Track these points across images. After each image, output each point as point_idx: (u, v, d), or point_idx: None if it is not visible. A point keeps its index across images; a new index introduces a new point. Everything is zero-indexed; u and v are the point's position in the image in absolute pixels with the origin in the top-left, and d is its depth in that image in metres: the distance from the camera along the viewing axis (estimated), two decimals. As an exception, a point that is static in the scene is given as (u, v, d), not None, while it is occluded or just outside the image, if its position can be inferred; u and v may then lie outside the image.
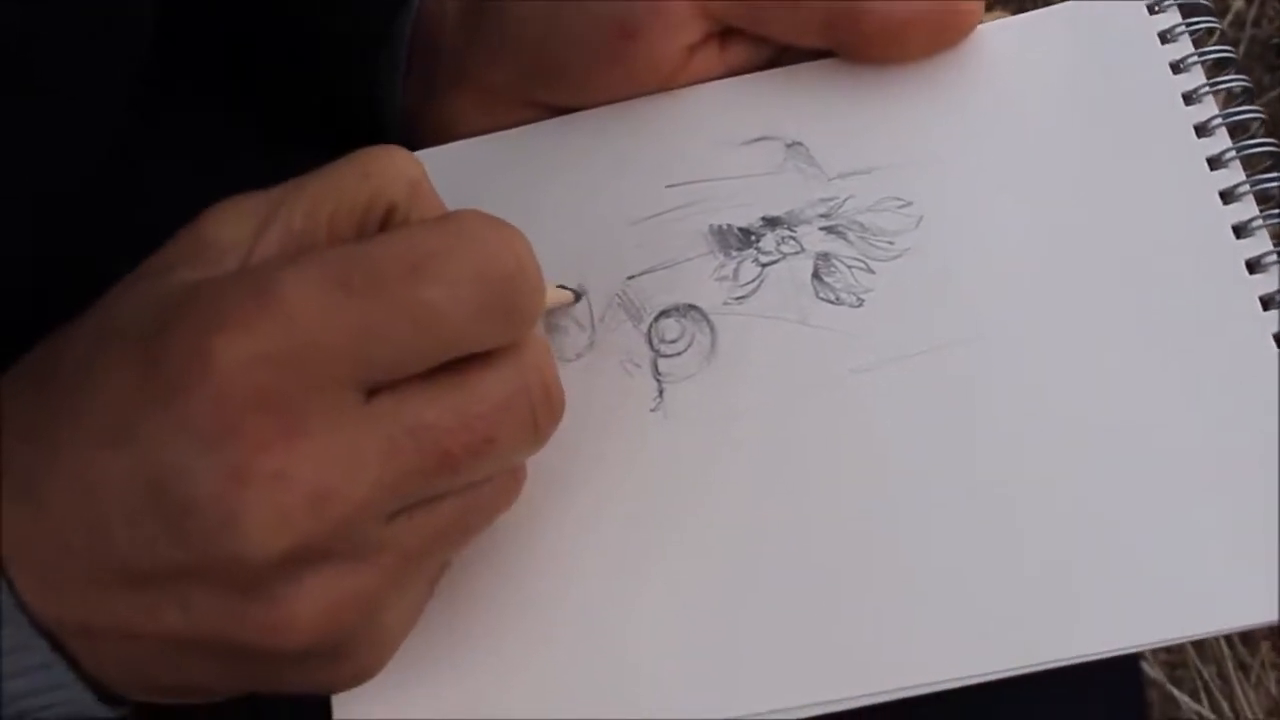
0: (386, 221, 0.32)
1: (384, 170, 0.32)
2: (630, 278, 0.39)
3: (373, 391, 0.30)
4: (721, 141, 0.41)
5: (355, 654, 0.31)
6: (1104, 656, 0.34)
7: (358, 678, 0.32)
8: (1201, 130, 0.38)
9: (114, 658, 0.31)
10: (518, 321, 0.31)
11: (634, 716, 0.35)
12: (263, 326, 0.28)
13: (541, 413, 0.32)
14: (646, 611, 0.35)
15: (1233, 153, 0.38)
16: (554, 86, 0.41)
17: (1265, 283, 0.36)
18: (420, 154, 0.42)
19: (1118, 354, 0.36)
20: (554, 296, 0.38)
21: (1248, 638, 0.94)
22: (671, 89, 0.41)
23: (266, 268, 0.30)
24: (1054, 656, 0.34)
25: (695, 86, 0.41)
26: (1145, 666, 0.91)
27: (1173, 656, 0.94)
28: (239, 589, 0.29)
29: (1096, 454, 0.35)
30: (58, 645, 0.30)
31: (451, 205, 0.41)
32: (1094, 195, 0.38)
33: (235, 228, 0.31)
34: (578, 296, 0.39)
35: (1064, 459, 0.36)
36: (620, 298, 0.39)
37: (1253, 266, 0.36)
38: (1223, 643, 0.93)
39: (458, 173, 0.41)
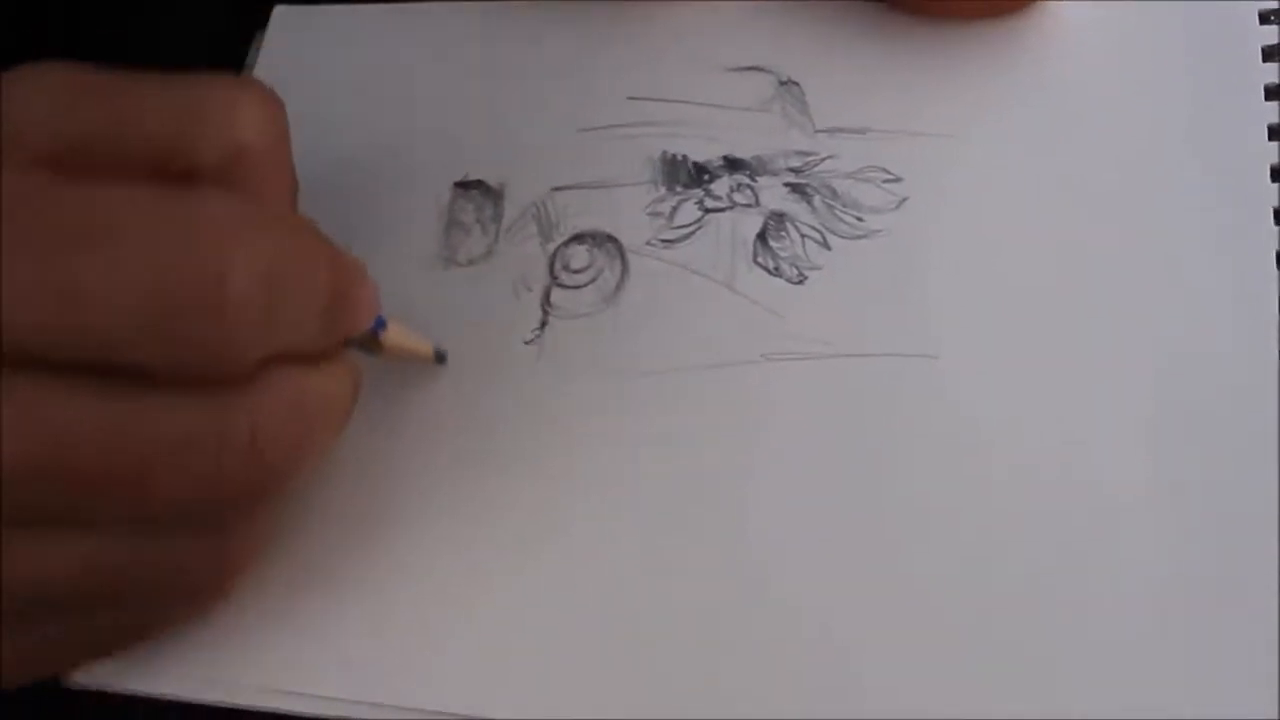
0: (187, 180, 0.25)
1: (212, 120, 0.25)
2: (556, 189, 0.33)
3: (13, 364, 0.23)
4: (708, 62, 0.34)
5: None
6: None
7: None
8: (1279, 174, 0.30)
9: None
10: (191, 351, 0.24)
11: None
12: None
13: (235, 470, 0.25)
14: (430, 562, 0.30)
15: (1312, 210, 0.30)
16: None
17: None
18: (384, 6, 0.37)
19: (1110, 424, 0.29)
20: (404, 339, 0.30)
21: None
22: (677, -10, 0.35)
23: None
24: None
25: (701, -4, 0.35)
26: None
27: None
28: None
29: (1044, 535, 0.28)
30: None
31: (391, 63, 0.36)
32: (1129, 227, 0.31)
33: (33, 105, 0.25)
34: (440, 357, 0.32)
35: (1002, 530, 0.28)
36: (538, 209, 0.33)
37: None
38: None
39: (417, 30, 0.36)
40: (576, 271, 0.32)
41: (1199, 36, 0.32)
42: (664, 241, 0.32)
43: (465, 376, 0.31)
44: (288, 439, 0.25)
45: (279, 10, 0.37)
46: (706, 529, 0.29)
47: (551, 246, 0.33)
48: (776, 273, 0.31)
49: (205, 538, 0.26)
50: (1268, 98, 0.31)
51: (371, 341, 0.28)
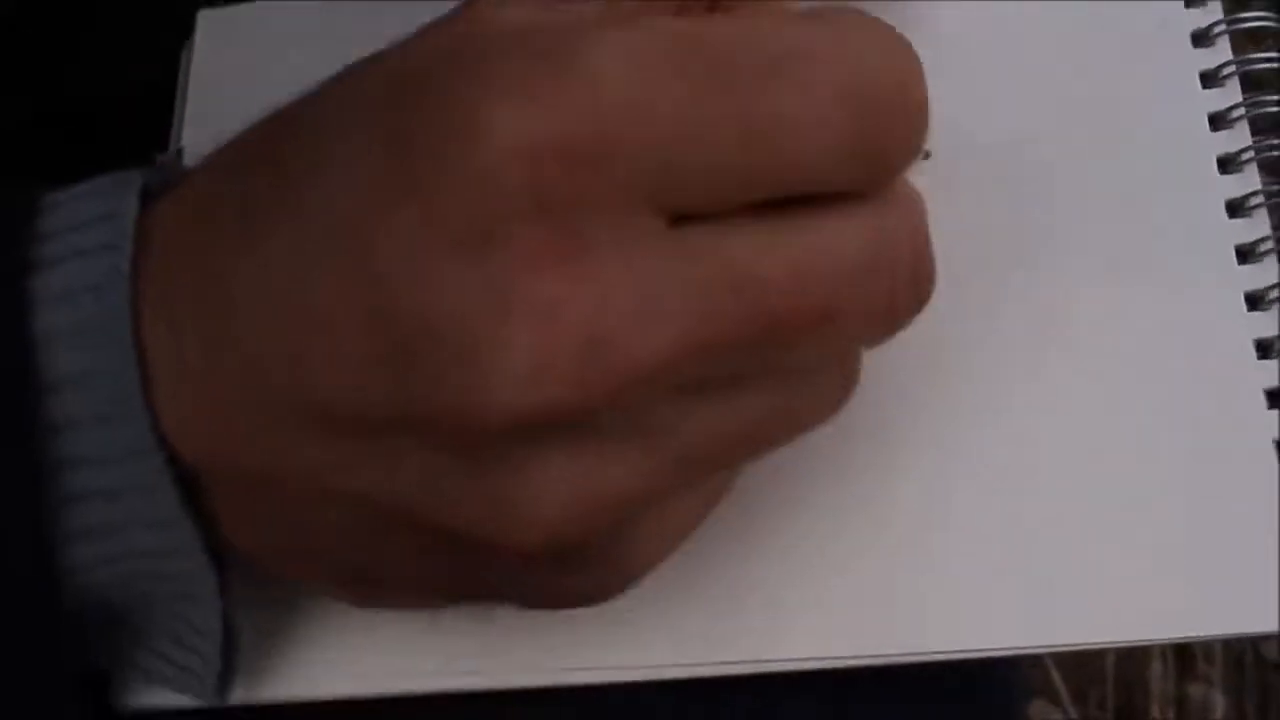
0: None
1: None
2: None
3: (676, 220, 0.21)
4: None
5: (589, 568, 0.23)
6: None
7: (586, 597, 0.24)
8: (1217, 121, 0.32)
9: (275, 519, 0.23)
10: (886, 162, 0.22)
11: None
12: (557, 105, 0.20)
13: (903, 293, 0.22)
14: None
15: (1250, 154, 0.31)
16: None
17: (1256, 275, 0.30)
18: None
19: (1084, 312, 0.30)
20: None
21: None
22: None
23: (573, 29, 0.21)
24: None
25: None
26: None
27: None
28: (465, 455, 0.21)
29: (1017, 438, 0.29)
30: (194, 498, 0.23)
31: (330, 54, 0.36)
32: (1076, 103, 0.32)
33: None
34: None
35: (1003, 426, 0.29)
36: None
37: (1244, 255, 0.30)
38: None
39: (351, 17, 0.36)
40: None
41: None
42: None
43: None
44: (931, 257, 0.23)
45: (204, 15, 0.37)
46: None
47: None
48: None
49: (846, 368, 0.24)
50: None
51: None
